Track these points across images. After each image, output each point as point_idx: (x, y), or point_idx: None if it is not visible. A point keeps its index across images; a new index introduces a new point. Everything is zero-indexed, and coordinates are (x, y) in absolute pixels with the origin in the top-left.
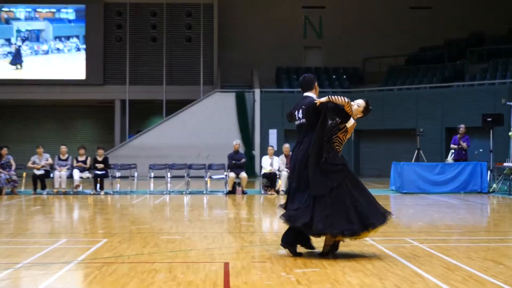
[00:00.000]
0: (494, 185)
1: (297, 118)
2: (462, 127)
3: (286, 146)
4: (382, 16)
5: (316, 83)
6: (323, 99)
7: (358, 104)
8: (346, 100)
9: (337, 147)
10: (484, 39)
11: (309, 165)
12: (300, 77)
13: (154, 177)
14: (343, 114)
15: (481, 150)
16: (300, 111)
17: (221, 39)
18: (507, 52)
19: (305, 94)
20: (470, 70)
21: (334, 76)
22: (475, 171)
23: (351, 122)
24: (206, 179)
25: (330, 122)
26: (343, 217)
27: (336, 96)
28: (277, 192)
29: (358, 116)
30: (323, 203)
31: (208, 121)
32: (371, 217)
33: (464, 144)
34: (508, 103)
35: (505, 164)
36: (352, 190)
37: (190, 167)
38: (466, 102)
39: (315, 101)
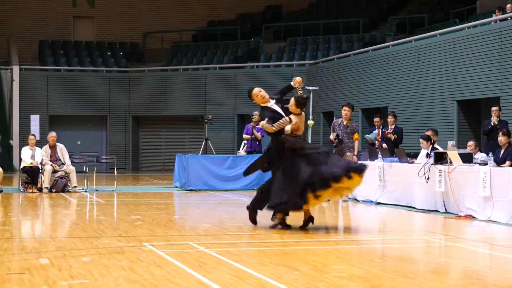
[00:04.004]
0: None
1: None
2: (255, 115)
3: (53, 134)
4: None
5: (252, 94)
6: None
7: (290, 104)
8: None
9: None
10: (281, 14)
11: None
12: (67, 51)
13: None
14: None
15: None
16: None
17: None
18: (306, 29)
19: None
20: (265, 49)
21: (109, 53)
22: None
23: (288, 129)
24: None
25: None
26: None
27: (264, 124)
28: (40, 190)
29: (297, 113)
30: None
31: None
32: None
33: (258, 134)
34: (307, 87)
35: None
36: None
37: None
38: (261, 85)
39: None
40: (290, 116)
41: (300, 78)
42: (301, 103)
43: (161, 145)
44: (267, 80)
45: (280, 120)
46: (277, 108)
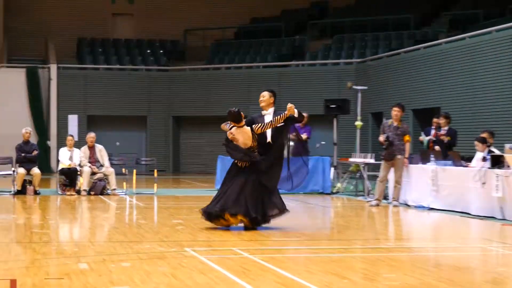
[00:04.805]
0: (338, 185)
1: None
2: (303, 115)
3: (91, 135)
4: None
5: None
6: None
7: None
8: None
9: None
10: (328, 11)
11: None
12: (106, 49)
13: None
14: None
15: (323, 142)
16: None
17: (7, 0)
18: (354, 26)
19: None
20: (310, 46)
21: (148, 51)
22: (316, 168)
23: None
24: None
25: None
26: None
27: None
28: (78, 192)
29: (236, 125)
30: None
31: None
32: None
33: (303, 136)
34: (355, 87)
35: (351, 159)
36: None
37: None
38: (306, 84)
39: None
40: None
41: (292, 105)
42: (228, 115)
43: (202, 146)
44: (312, 79)
45: (225, 124)
46: (267, 118)
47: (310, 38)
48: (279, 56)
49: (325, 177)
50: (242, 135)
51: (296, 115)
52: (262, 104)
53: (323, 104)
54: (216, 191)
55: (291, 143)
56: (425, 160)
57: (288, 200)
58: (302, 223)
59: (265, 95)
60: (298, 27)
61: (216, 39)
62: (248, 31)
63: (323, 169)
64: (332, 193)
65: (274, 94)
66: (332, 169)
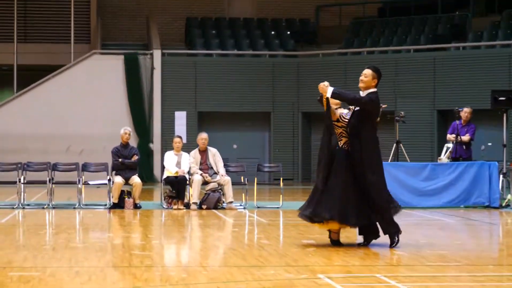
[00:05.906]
0: (509, 196)
1: None
2: (465, 111)
3: (203, 136)
4: None
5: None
6: None
7: None
8: None
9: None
10: None
11: None
12: (220, 31)
13: None
14: None
15: (489, 144)
16: None
17: None
18: None
19: None
20: (474, 25)
21: (272, 32)
22: (481, 176)
23: None
24: (79, 186)
25: None
26: None
27: None
28: (187, 206)
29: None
30: None
31: (83, 98)
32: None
33: (465, 137)
34: None
35: None
36: None
37: (54, 167)
38: (468, 72)
39: None
40: None
41: (323, 83)
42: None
43: None
44: (476, 65)
45: None
46: None
47: (474, 15)
48: (435, 37)
49: (492, 187)
50: None
51: (328, 94)
52: (360, 85)
53: (489, 97)
54: None
55: None
56: None
57: (446, 216)
58: (463, 244)
59: (367, 75)
60: (458, 1)
61: (355, 17)
62: (396, 7)
63: (489, 177)
64: (501, 206)
65: (379, 75)
66: (501, 177)
